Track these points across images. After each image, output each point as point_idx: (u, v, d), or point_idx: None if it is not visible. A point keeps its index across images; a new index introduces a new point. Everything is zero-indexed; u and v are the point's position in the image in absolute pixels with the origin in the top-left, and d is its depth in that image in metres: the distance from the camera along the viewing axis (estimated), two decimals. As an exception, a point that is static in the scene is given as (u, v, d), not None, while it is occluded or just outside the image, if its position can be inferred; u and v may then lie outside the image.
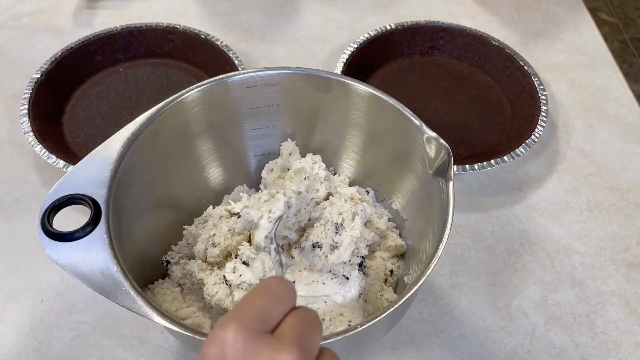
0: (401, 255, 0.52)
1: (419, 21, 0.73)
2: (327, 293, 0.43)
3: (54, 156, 0.57)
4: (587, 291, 0.54)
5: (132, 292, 0.37)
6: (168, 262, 0.48)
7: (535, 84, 0.66)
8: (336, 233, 0.44)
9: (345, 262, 0.43)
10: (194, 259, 0.48)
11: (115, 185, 0.42)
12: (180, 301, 0.46)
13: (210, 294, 0.45)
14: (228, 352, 0.24)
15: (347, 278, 0.43)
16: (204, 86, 0.48)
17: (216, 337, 0.25)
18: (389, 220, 0.53)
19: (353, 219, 0.45)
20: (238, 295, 0.44)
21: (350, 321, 0.43)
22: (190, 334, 0.35)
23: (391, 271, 0.50)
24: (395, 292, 0.49)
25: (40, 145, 0.58)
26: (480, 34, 0.72)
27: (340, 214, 0.45)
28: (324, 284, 0.43)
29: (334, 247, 0.43)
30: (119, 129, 0.44)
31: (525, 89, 0.67)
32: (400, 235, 0.52)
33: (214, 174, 0.54)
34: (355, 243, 0.44)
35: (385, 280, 0.49)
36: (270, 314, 0.26)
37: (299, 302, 0.42)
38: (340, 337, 0.36)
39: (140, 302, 0.36)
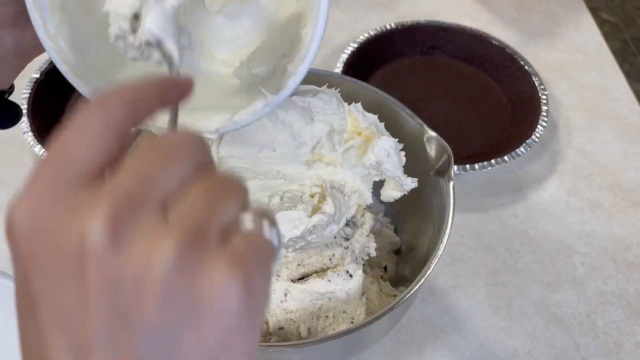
0: (396, 252, 0.52)
1: (420, 21, 0.73)
2: (332, 289, 0.43)
3: (53, 156, 0.57)
4: (588, 291, 0.54)
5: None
6: None
7: (536, 83, 0.66)
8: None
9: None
10: None
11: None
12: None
13: None
14: (89, 250, 0.15)
15: (351, 276, 0.43)
16: (204, 86, 0.48)
17: (76, 225, 0.16)
18: (384, 215, 0.52)
19: (363, 215, 0.45)
20: None
21: (352, 318, 0.43)
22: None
23: (385, 267, 0.50)
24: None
25: (40, 145, 0.58)
26: (481, 34, 0.71)
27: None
28: (329, 280, 0.43)
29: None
30: (118, 129, 0.44)
31: (525, 89, 0.67)
32: (395, 231, 0.52)
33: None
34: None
35: (380, 277, 0.49)
36: (77, 157, 0.17)
37: (307, 299, 0.43)
38: (341, 337, 0.36)
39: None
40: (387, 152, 0.43)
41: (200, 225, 0.16)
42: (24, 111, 0.61)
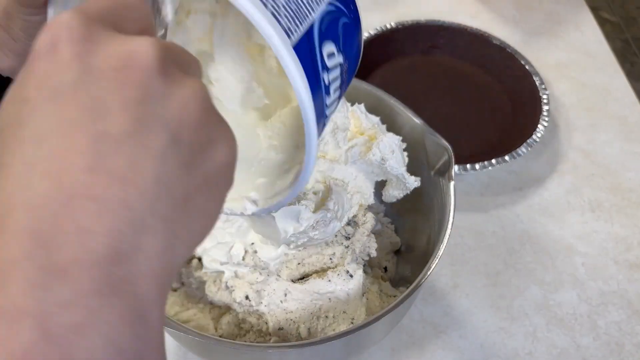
0: (396, 252, 0.52)
1: (420, 20, 0.73)
2: (332, 290, 0.42)
3: (52, 156, 0.57)
4: (589, 292, 0.54)
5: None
6: None
7: (537, 83, 0.66)
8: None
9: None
10: (185, 263, 0.48)
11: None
12: (180, 305, 0.46)
13: (212, 291, 0.45)
14: (63, 36, 0.18)
15: (352, 276, 0.43)
16: (204, 85, 0.48)
17: (49, 24, 0.18)
18: (384, 215, 0.52)
19: (365, 215, 0.45)
20: (235, 281, 0.44)
21: (353, 319, 0.43)
22: (189, 335, 0.35)
23: (385, 267, 0.50)
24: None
25: (39, 145, 0.57)
26: (482, 33, 0.71)
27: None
28: (329, 280, 0.43)
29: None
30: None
31: (526, 88, 0.67)
32: (395, 231, 0.52)
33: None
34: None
35: (381, 277, 0.49)
36: (120, 16, 0.20)
37: (307, 299, 0.43)
38: (341, 337, 0.36)
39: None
40: (391, 149, 0.43)
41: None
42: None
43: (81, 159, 0.17)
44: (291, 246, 0.43)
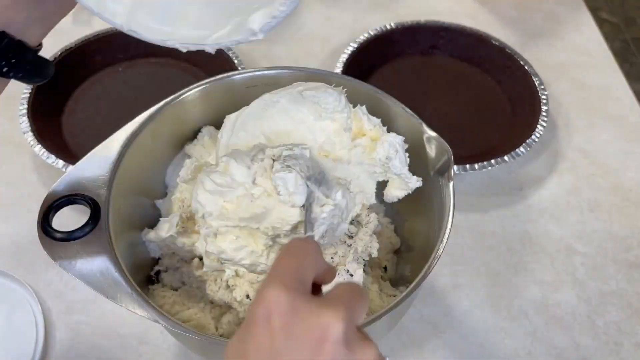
0: (395, 252, 0.52)
1: (420, 21, 0.73)
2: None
3: (53, 156, 0.57)
4: (588, 291, 0.54)
5: (132, 292, 0.37)
6: (158, 272, 0.48)
7: (536, 83, 0.66)
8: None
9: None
10: (187, 262, 0.48)
11: (115, 184, 0.42)
12: (180, 304, 0.46)
13: (213, 290, 0.45)
14: (274, 310, 0.24)
15: (352, 275, 0.43)
16: (204, 86, 0.48)
17: (262, 297, 0.25)
18: (384, 215, 0.52)
19: (368, 215, 0.45)
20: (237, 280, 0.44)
21: None
22: (189, 334, 0.35)
23: (385, 267, 0.50)
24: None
25: (40, 145, 0.58)
26: (481, 34, 0.71)
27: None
28: None
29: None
30: (118, 129, 0.44)
31: (525, 89, 0.67)
32: (395, 231, 0.52)
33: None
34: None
35: (381, 277, 0.49)
36: (304, 272, 0.26)
37: None
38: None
39: (139, 303, 0.36)
40: (395, 148, 0.44)
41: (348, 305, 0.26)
42: (24, 111, 0.61)
43: None
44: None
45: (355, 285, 0.28)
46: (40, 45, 0.38)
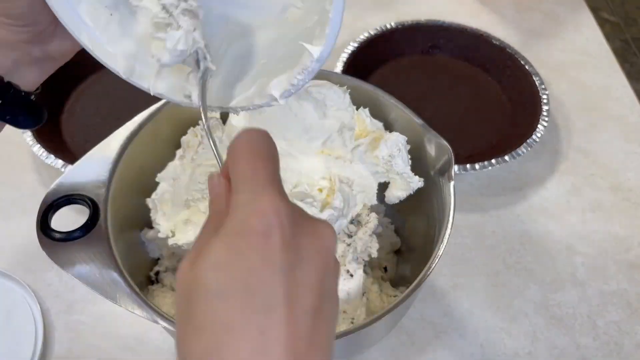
0: (396, 252, 0.52)
1: (420, 20, 0.73)
2: None
3: (52, 156, 0.57)
4: (589, 292, 0.54)
5: (131, 293, 0.36)
6: (158, 273, 0.48)
7: (537, 83, 0.66)
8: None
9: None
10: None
11: (114, 184, 0.41)
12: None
13: None
14: (275, 223, 0.22)
15: (352, 275, 0.43)
16: (204, 85, 0.48)
17: (261, 210, 0.22)
18: (385, 215, 0.52)
19: (369, 215, 0.45)
20: None
21: (352, 319, 0.43)
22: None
23: (385, 268, 0.50)
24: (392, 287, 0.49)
25: (39, 145, 0.57)
26: (481, 33, 0.71)
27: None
28: None
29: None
30: (117, 129, 0.44)
31: (526, 89, 0.67)
32: (395, 231, 0.52)
33: (214, 173, 0.53)
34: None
35: (381, 277, 0.49)
36: (279, 177, 0.24)
37: None
38: (341, 337, 0.36)
39: (139, 303, 0.36)
40: (398, 147, 0.44)
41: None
42: (23, 111, 0.61)
43: (304, 330, 0.22)
44: None
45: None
46: (37, 89, 0.38)
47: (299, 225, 0.23)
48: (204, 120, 0.31)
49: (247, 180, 0.23)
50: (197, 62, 0.32)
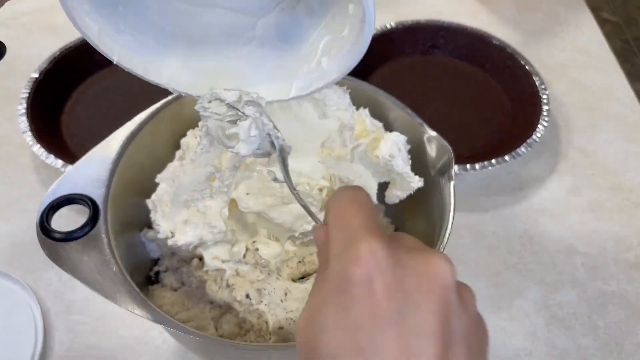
0: None
1: (420, 20, 0.73)
2: None
3: (52, 156, 0.57)
4: (589, 292, 0.54)
5: (131, 293, 0.36)
6: (158, 273, 0.48)
7: (537, 83, 0.66)
8: None
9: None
10: (186, 262, 0.48)
11: (114, 184, 0.41)
12: (180, 305, 0.45)
13: (213, 290, 0.45)
14: (374, 269, 0.20)
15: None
16: (204, 85, 0.48)
17: (355, 256, 0.21)
18: (385, 215, 0.52)
19: None
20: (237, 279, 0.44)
21: None
22: (189, 335, 0.35)
23: None
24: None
25: (39, 145, 0.57)
26: (482, 33, 0.71)
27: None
28: None
29: None
30: (117, 129, 0.44)
31: (526, 89, 0.67)
32: (395, 231, 0.52)
33: (214, 173, 0.53)
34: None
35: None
36: (378, 223, 0.23)
37: (307, 299, 0.42)
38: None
39: (139, 303, 0.36)
40: (398, 147, 0.44)
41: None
42: (23, 111, 0.61)
43: None
44: (296, 242, 0.43)
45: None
46: None
47: (403, 265, 0.21)
48: (291, 190, 0.32)
49: (341, 227, 0.23)
50: (272, 144, 0.33)
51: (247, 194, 0.42)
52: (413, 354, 0.19)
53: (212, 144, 0.41)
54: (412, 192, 0.45)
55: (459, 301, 0.21)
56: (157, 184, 0.45)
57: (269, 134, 0.33)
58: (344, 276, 0.21)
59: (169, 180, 0.44)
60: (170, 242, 0.42)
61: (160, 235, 0.43)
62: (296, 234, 0.42)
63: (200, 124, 0.43)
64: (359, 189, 0.25)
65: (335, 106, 0.44)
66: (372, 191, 0.46)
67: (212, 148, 0.42)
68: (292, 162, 0.44)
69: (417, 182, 0.45)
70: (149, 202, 0.44)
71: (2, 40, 0.35)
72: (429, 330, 0.20)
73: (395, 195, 0.46)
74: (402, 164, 0.44)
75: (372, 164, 0.45)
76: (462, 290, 0.22)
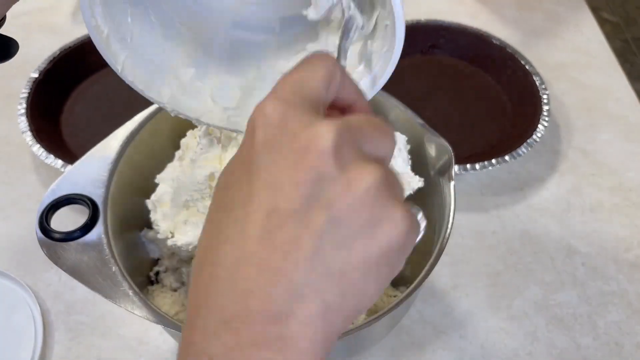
0: None
1: (420, 20, 0.73)
2: None
3: (52, 156, 0.57)
4: (589, 292, 0.54)
5: (131, 293, 0.36)
6: (158, 273, 0.48)
7: (537, 83, 0.66)
8: None
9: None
10: (186, 262, 0.48)
11: (114, 184, 0.41)
12: (180, 305, 0.46)
13: None
14: (259, 122, 0.21)
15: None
16: (203, 85, 0.48)
17: (252, 112, 0.22)
18: None
19: None
20: None
21: None
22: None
23: None
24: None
25: (38, 145, 0.57)
26: (482, 33, 0.71)
27: None
28: None
29: None
30: (117, 129, 0.44)
31: (526, 88, 0.67)
32: None
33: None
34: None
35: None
36: (313, 86, 0.22)
37: None
38: (341, 337, 0.36)
39: (139, 303, 0.36)
40: (398, 147, 0.44)
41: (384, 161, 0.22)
42: (23, 111, 0.61)
43: (254, 229, 0.20)
44: None
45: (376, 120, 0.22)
46: (3, 19, 0.36)
47: (287, 126, 0.21)
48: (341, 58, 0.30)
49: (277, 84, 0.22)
50: (343, 15, 0.31)
51: None
52: (254, 202, 0.20)
53: (211, 144, 0.41)
54: (412, 192, 0.45)
55: (334, 170, 0.20)
56: (156, 184, 0.45)
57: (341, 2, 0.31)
58: (247, 130, 0.22)
59: (169, 181, 0.44)
60: (170, 242, 0.42)
61: (160, 236, 0.43)
62: None
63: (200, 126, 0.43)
64: (321, 55, 0.23)
65: None
66: None
67: (211, 148, 0.42)
68: None
69: (417, 182, 0.45)
70: (149, 203, 0.44)
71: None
72: (280, 184, 0.20)
73: None
74: (403, 164, 0.44)
75: None
76: (351, 166, 0.20)
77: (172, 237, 0.43)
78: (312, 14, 0.31)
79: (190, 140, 0.45)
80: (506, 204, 0.60)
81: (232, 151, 0.42)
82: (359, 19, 0.31)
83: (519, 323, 0.52)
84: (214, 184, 0.41)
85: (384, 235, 0.20)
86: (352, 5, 0.30)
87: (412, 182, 0.45)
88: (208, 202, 0.42)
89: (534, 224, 0.59)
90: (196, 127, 0.46)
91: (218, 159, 0.42)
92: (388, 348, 0.50)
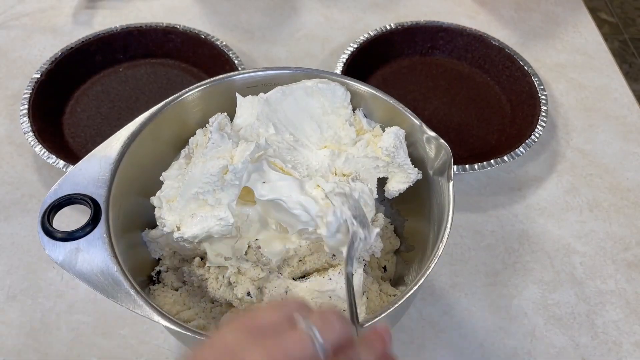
0: (395, 252, 0.52)
1: (419, 21, 0.73)
2: (333, 288, 0.43)
3: (53, 156, 0.57)
4: (587, 291, 0.54)
5: (132, 292, 0.37)
6: (159, 272, 0.48)
7: (535, 83, 0.66)
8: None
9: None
10: (188, 262, 0.48)
11: (115, 184, 0.42)
12: (181, 304, 0.46)
13: (214, 287, 0.45)
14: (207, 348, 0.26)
15: (352, 274, 0.43)
16: (204, 86, 0.48)
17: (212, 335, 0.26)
18: (384, 215, 0.53)
19: (376, 214, 0.47)
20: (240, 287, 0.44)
21: None
22: (190, 333, 0.36)
23: (384, 267, 0.50)
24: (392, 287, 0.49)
25: (40, 145, 0.58)
26: (480, 34, 0.72)
27: None
28: (330, 279, 0.43)
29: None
30: (118, 129, 0.44)
31: (525, 89, 0.67)
32: (395, 231, 0.52)
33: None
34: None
35: (380, 277, 0.49)
36: (278, 324, 0.27)
37: (307, 297, 0.43)
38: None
39: (140, 302, 0.36)
40: (399, 140, 0.45)
41: None
42: (25, 112, 0.61)
43: None
44: (303, 235, 0.44)
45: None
46: None
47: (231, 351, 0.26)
48: (346, 270, 0.37)
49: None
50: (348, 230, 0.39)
51: (264, 182, 0.43)
52: None
53: (222, 139, 0.43)
54: (411, 184, 0.46)
55: None
56: (158, 184, 0.45)
57: (345, 221, 0.39)
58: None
59: (175, 177, 0.45)
60: (176, 234, 0.43)
61: (167, 229, 0.43)
62: (310, 229, 0.43)
63: (210, 120, 0.44)
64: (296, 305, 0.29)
65: (339, 103, 0.46)
66: (372, 187, 0.47)
67: (222, 142, 0.43)
68: (298, 156, 0.46)
69: (415, 173, 0.46)
70: (155, 199, 0.45)
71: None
72: None
73: (396, 188, 0.46)
74: (404, 155, 0.45)
75: (372, 158, 0.46)
76: None
77: (179, 230, 0.43)
78: (324, 232, 0.40)
79: (200, 138, 0.46)
80: (505, 203, 0.60)
81: (241, 147, 0.43)
82: (361, 233, 0.39)
83: (518, 322, 0.52)
84: (227, 176, 0.42)
85: None
86: (355, 222, 0.39)
87: (412, 174, 0.46)
88: (218, 194, 0.42)
89: (533, 223, 0.59)
90: (204, 125, 0.47)
91: (229, 152, 0.43)
92: (387, 347, 0.50)
